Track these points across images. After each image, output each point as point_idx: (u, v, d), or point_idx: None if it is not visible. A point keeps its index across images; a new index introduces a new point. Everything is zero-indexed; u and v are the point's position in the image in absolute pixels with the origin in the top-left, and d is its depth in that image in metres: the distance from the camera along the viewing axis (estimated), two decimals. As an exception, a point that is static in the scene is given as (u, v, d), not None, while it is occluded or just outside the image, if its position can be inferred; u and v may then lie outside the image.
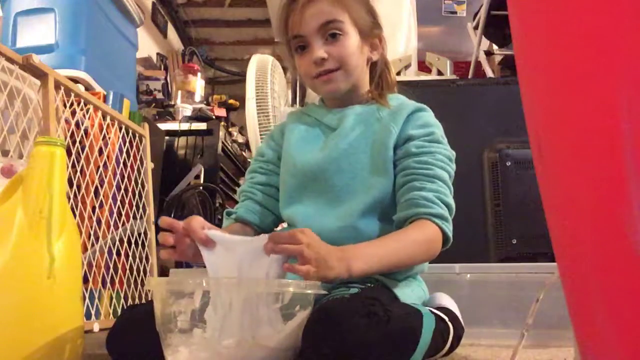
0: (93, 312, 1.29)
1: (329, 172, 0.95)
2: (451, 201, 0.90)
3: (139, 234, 1.57)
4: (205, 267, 0.76)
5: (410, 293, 0.91)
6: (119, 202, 1.49)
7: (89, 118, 1.38)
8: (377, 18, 1.03)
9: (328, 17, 0.94)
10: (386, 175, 0.93)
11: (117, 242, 1.46)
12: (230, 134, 2.95)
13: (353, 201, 0.93)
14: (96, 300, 1.32)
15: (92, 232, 1.34)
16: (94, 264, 1.33)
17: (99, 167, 1.43)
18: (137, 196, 1.58)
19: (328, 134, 1.00)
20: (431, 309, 0.88)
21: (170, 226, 0.79)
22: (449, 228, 0.89)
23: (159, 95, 2.83)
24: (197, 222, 0.78)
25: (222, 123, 2.72)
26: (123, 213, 1.51)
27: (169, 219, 0.80)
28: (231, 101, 3.26)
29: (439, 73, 2.91)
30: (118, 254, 1.46)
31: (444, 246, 0.89)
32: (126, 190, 1.53)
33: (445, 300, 1.02)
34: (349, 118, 0.98)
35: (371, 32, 1.00)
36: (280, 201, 1.01)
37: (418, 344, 0.73)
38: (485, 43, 3.03)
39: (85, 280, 1.30)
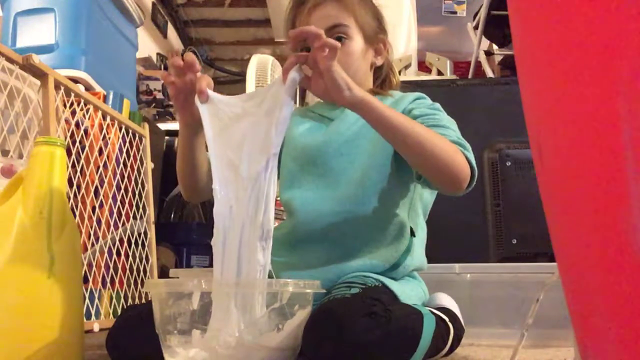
0: (93, 312, 1.29)
1: (328, 156, 0.96)
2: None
3: (139, 234, 1.57)
4: (204, 267, 0.76)
5: (410, 293, 0.91)
6: (119, 202, 1.49)
7: (89, 118, 1.38)
8: (383, 23, 1.04)
9: (334, 22, 0.95)
10: (385, 158, 0.93)
11: (117, 242, 1.46)
12: (230, 133, 2.94)
13: (351, 185, 0.93)
14: (96, 300, 1.32)
15: (92, 232, 1.34)
16: (94, 264, 1.33)
17: (99, 167, 1.43)
18: (137, 196, 1.58)
19: (330, 124, 1.01)
20: (431, 309, 0.88)
21: (192, 64, 0.78)
22: (472, 159, 0.85)
23: (159, 95, 2.82)
24: (206, 78, 0.79)
25: (222, 123, 2.72)
26: (123, 213, 1.51)
27: (195, 59, 0.80)
28: (231, 101, 3.25)
29: (439, 73, 2.91)
30: (118, 254, 1.46)
31: (472, 176, 0.85)
32: (126, 190, 1.53)
33: (446, 300, 1.02)
34: None
35: (376, 37, 1.00)
36: (279, 186, 1.02)
37: (419, 345, 0.73)
38: (485, 43, 3.02)
39: (85, 280, 1.29)
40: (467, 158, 0.84)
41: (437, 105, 0.97)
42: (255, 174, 0.72)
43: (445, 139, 0.84)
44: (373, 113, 0.77)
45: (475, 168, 0.85)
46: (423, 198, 1.02)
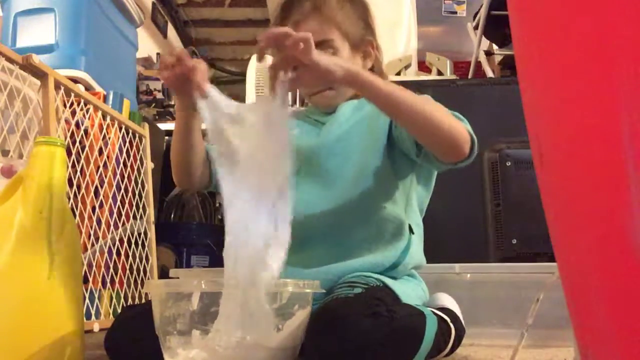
0: (93, 312, 1.29)
1: (322, 156, 0.96)
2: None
3: (139, 234, 1.57)
4: (204, 267, 0.76)
5: (411, 293, 0.91)
6: (119, 202, 1.49)
7: (89, 118, 1.38)
8: (370, 21, 1.02)
9: (318, 38, 0.93)
10: (379, 154, 0.94)
11: (117, 242, 1.46)
12: (230, 133, 2.93)
13: (347, 184, 0.93)
14: (96, 300, 1.32)
15: (92, 232, 1.34)
16: (94, 264, 1.33)
17: (99, 167, 1.43)
18: (137, 196, 1.58)
19: (322, 127, 1.02)
20: (433, 309, 0.88)
21: (181, 58, 0.78)
22: (469, 127, 0.85)
23: (159, 95, 2.82)
24: (201, 70, 0.79)
25: (222, 123, 2.72)
26: (123, 213, 1.51)
27: (185, 54, 0.80)
28: (231, 101, 3.24)
29: (439, 73, 2.90)
30: (118, 254, 1.46)
31: (472, 146, 0.84)
32: (126, 190, 1.53)
33: (447, 300, 1.02)
34: (343, 108, 1.00)
35: (362, 40, 1.00)
36: None
37: (421, 345, 0.73)
38: (485, 43, 3.02)
39: (85, 280, 1.29)
40: (467, 129, 0.84)
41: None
42: (270, 203, 0.72)
43: (439, 105, 0.85)
44: (366, 84, 0.77)
45: (474, 136, 0.85)
46: (418, 193, 1.02)
